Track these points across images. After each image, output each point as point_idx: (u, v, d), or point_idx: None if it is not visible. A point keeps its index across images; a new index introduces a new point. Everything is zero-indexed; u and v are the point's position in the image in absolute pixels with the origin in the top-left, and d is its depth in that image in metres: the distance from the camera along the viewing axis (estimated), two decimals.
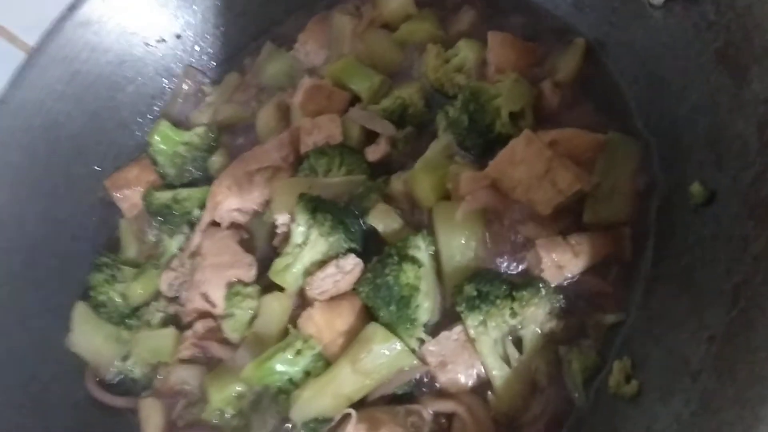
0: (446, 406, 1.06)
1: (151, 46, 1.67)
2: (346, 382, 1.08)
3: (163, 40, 1.67)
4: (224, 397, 1.22)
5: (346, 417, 1.05)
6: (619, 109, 1.18)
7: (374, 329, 1.09)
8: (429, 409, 1.07)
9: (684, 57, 1.04)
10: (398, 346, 1.07)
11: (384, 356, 1.07)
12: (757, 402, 0.69)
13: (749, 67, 0.89)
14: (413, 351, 1.09)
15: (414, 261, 1.09)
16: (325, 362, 1.13)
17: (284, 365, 1.12)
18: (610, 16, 1.22)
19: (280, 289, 1.23)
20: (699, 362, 0.83)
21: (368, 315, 1.14)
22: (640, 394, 0.92)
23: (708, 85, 0.98)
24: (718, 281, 0.86)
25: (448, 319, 1.13)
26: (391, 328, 1.09)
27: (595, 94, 1.22)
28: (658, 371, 0.91)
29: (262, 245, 1.37)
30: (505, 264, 1.13)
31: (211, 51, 1.72)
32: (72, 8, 1.55)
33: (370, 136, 1.35)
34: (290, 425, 1.16)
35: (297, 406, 1.09)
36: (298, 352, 1.12)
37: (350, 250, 1.19)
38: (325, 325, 1.12)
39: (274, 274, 1.21)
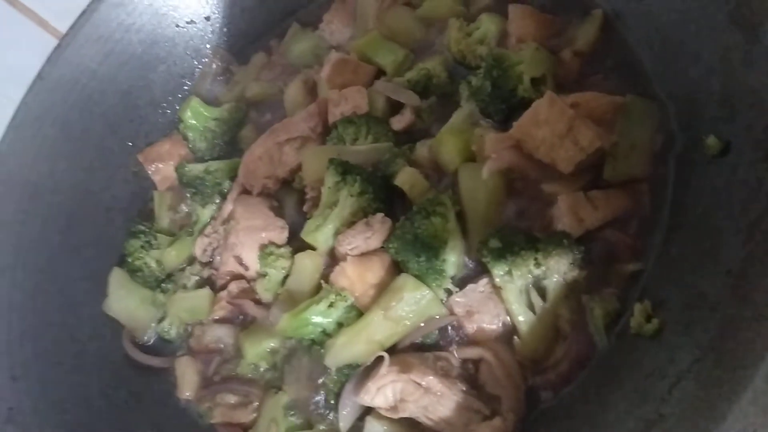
0: (474, 352, 1.11)
1: (182, 27, 1.74)
2: (379, 328, 1.13)
3: (193, 22, 1.74)
4: (259, 352, 1.28)
5: (378, 360, 1.10)
6: (636, 73, 1.23)
7: (405, 279, 1.14)
8: (457, 356, 1.12)
9: (697, 21, 1.09)
10: (428, 294, 1.13)
11: (414, 304, 1.13)
12: None
13: (761, 24, 0.95)
14: (441, 301, 1.15)
15: (441, 216, 1.15)
16: (358, 313, 1.18)
17: (318, 316, 1.17)
18: None
19: (312, 249, 1.28)
20: (716, 295, 0.88)
21: (397, 270, 1.19)
22: (660, 331, 0.96)
23: (721, 45, 1.03)
24: (733, 221, 0.92)
25: (474, 273, 1.18)
26: (421, 278, 1.14)
27: (612, 61, 1.27)
28: (677, 308, 0.96)
29: (292, 212, 1.42)
30: (529, 220, 1.18)
31: (239, 32, 1.79)
32: None
33: (395, 107, 1.40)
34: (323, 375, 1.20)
35: (332, 352, 1.15)
36: (332, 304, 1.17)
37: (379, 210, 1.24)
38: (357, 278, 1.17)
39: (306, 234, 1.27)
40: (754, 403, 0.70)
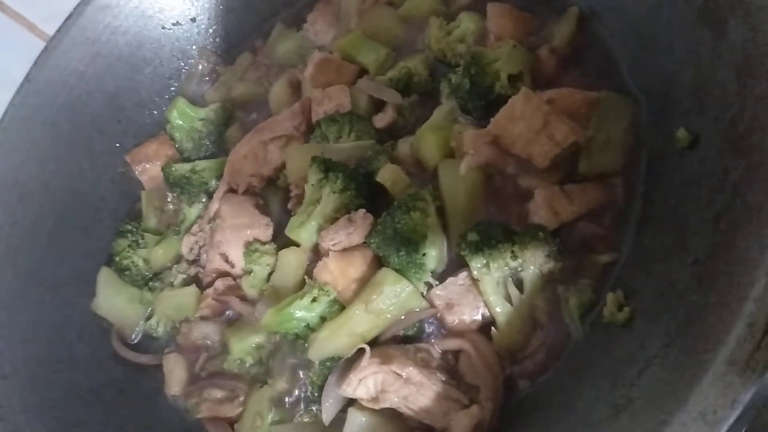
0: (453, 343, 1.14)
1: (168, 29, 1.76)
2: (360, 322, 1.15)
3: (179, 24, 1.77)
4: (244, 347, 1.30)
5: (360, 352, 1.12)
6: (611, 69, 1.25)
7: (385, 273, 1.16)
8: (437, 347, 1.15)
9: (668, 17, 1.12)
10: (408, 288, 1.15)
11: (395, 297, 1.15)
12: (735, 303, 0.77)
13: (727, 20, 0.97)
14: (422, 294, 1.17)
15: (421, 210, 1.17)
16: (340, 308, 1.20)
17: (302, 311, 1.19)
18: None
19: (296, 246, 1.31)
20: (684, 283, 0.91)
21: (379, 264, 1.21)
22: (632, 319, 0.99)
23: (691, 41, 1.06)
24: (701, 212, 0.94)
25: (453, 267, 1.20)
26: (401, 272, 1.16)
27: (588, 58, 1.30)
28: (648, 297, 0.99)
29: (277, 210, 1.45)
30: (506, 213, 1.20)
31: (224, 33, 1.81)
32: None
33: (378, 105, 1.43)
34: (307, 368, 1.23)
35: (315, 345, 1.17)
36: (315, 299, 1.19)
37: (361, 207, 1.27)
38: (340, 272, 1.20)
39: (290, 231, 1.29)
40: (714, 385, 0.73)
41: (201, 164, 1.56)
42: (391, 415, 1.12)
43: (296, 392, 1.23)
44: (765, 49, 0.90)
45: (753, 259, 0.78)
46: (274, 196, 1.47)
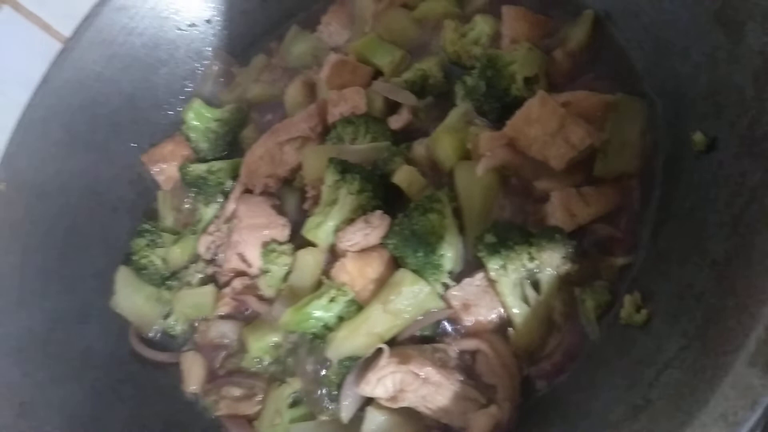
0: (470, 344, 1.15)
1: (183, 30, 1.77)
2: (378, 321, 1.17)
3: (194, 25, 1.78)
4: (262, 346, 1.32)
5: (378, 352, 1.14)
6: (626, 72, 1.26)
7: (403, 274, 1.18)
8: (455, 347, 1.16)
9: (685, 20, 1.13)
10: (425, 288, 1.16)
11: (412, 298, 1.16)
12: (754, 307, 0.78)
13: (744, 24, 0.98)
14: (439, 295, 1.18)
15: (438, 212, 1.19)
16: (358, 307, 1.21)
17: (320, 311, 1.21)
18: None
19: (313, 246, 1.32)
20: (702, 285, 0.92)
21: (396, 265, 1.23)
22: (649, 321, 1.00)
23: (707, 45, 1.07)
24: (719, 215, 0.95)
25: (470, 268, 1.21)
26: (419, 273, 1.18)
27: (603, 61, 1.31)
28: (665, 299, 1.00)
29: (293, 210, 1.46)
30: (523, 215, 1.21)
31: (239, 35, 1.82)
32: None
33: (393, 107, 1.44)
34: (325, 367, 1.24)
35: (333, 345, 1.18)
36: (332, 299, 1.21)
37: (378, 208, 1.28)
38: (357, 273, 1.21)
39: (307, 231, 1.30)
40: (735, 387, 0.74)
41: (217, 164, 1.57)
42: (409, 414, 1.13)
43: (315, 391, 1.24)
44: None
45: None
46: (290, 197, 1.48)
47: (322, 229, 1.29)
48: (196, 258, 1.51)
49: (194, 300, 1.43)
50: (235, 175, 1.55)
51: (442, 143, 1.29)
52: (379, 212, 1.27)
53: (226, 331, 1.39)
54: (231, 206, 1.49)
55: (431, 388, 1.10)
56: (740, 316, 0.79)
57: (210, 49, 1.81)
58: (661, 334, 0.96)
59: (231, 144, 1.66)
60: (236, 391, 1.32)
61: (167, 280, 1.51)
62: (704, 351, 0.83)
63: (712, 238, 0.95)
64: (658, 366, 0.90)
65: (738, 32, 1.00)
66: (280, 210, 1.46)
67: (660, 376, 0.89)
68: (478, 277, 1.18)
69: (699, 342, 0.86)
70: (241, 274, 1.42)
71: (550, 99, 1.18)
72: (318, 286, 1.28)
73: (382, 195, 1.31)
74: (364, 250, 1.25)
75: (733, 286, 0.85)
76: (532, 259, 1.13)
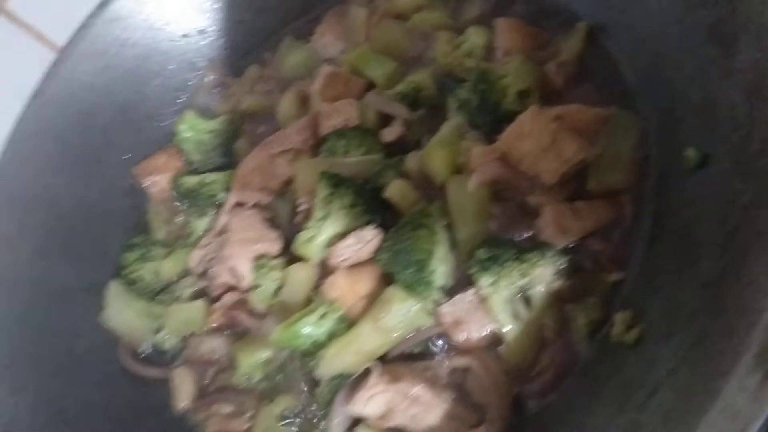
0: (461, 361, 1.14)
1: (176, 41, 1.76)
2: (368, 339, 1.16)
3: (188, 36, 1.77)
4: (252, 362, 1.30)
5: (368, 370, 1.12)
6: (620, 86, 1.25)
7: (393, 291, 1.17)
8: (445, 365, 1.15)
9: (678, 35, 1.12)
10: (416, 305, 1.15)
11: (402, 315, 1.15)
12: (744, 330, 0.77)
13: (737, 39, 0.97)
14: (429, 311, 1.17)
15: (429, 228, 1.17)
16: (348, 324, 1.20)
17: (310, 327, 1.19)
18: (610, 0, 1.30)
19: (305, 261, 1.31)
20: (694, 305, 0.91)
21: (387, 281, 1.21)
22: (640, 340, 0.99)
23: (700, 59, 1.05)
24: (710, 233, 0.94)
25: (462, 284, 1.20)
26: (409, 290, 1.16)
27: (596, 74, 1.29)
28: (657, 318, 0.98)
29: (285, 223, 1.44)
30: (514, 231, 1.20)
31: (233, 45, 1.81)
32: (102, 5, 1.65)
33: (386, 119, 1.43)
34: (315, 385, 1.23)
35: (323, 363, 1.17)
36: (323, 316, 1.19)
37: (369, 223, 1.27)
38: (348, 289, 1.20)
39: (299, 246, 1.29)
40: (723, 413, 0.72)
41: (210, 177, 1.56)
42: None
43: (305, 409, 1.23)
44: None
45: (763, 284, 0.78)
46: (282, 210, 1.47)
47: (313, 243, 1.28)
48: (187, 272, 1.50)
49: (185, 314, 1.42)
50: (228, 188, 1.53)
51: (435, 157, 1.28)
52: (371, 227, 1.26)
53: (216, 347, 1.37)
54: (223, 219, 1.48)
55: (421, 407, 1.09)
56: (730, 338, 0.78)
57: (203, 59, 1.79)
58: (652, 355, 0.94)
59: (224, 156, 1.64)
60: (226, 408, 1.31)
61: (158, 294, 1.49)
62: (694, 374, 0.82)
63: (705, 257, 0.93)
64: (649, 388, 0.89)
65: (731, 47, 0.98)
66: (272, 223, 1.45)
67: (651, 399, 0.88)
68: (470, 293, 1.17)
69: (688, 365, 0.85)
70: (232, 288, 1.41)
71: (542, 113, 1.17)
72: (309, 301, 1.27)
73: (374, 209, 1.29)
74: (356, 266, 1.24)
75: (724, 306, 0.84)
76: (523, 275, 1.12)
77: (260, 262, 1.35)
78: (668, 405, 0.83)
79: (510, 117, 1.22)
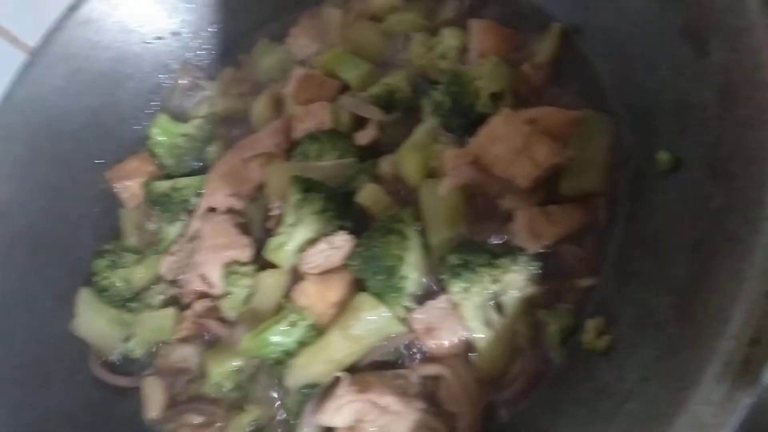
0: (432, 369, 1.11)
1: (149, 43, 1.73)
2: (337, 348, 1.13)
3: (161, 38, 1.74)
4: (223, 371, 1.28)
5: (338, 380, 1.10)
6: (594, 87, 1.23)
7: (363, 298, 1.14)
8: (416, 373, 1.12)
9: (652, 36, 1.10)
10: (386, 313, 1.13)
11: (372, 323, 1.13)
12: (711, 339, 0.75)
13: (708, 40, 0.96)
14: (400, 319, 1.15)
15: (399, 233, 1.15)
16: (318, 333, 1.18)
17: (279, 336, 1.17)
18: (584, 1, 1.28)
19: (275, 267, 1.28)
20: (664, 314, 0.89)
21: (358, 288, 1.19)
22: (611, 348, 0.97)
23: (674, 61, 1.04)
24: (681, 238, 0.92)
25: (434, 290, 1.18)
26: (380, 297, 1.14)
27: (571, 75, 1.27)
28: (628, 325, 0.96)
29: (257, 229, 1.42)
30: (487, 235, 1.18)
31: (207, 47, 1.78)
32: (73, 8, 1.62)
33: (360, 122, 1.40)
34: (285, 395, 1.20)
35: (291, 372, 1.15)
36: (292, 324, 1.17)
37: (341, 228, 1.24)
38: (318, 296, 1.18)
39: (269, 252, 1.27)
40: (690, 424, 0.70)
41: (182, 181, 1.53)
42: None
43: (274, 419, 1.20)
44: (747, 72, 0.87)
45: (730, 292, 0.76)
46: (255, 216, 1.44)
47: (284, 249, 1.26)
48: (158, 279, 1.47)
49: (155, 322, 1.39)
50: (200, 193, 1.51)
51: (408, 161, 1.26)
52: (342, 233, 1.23)
53: (186, 356, 1.34)
54: (195, 225, 1.46)
55: (391, 417, 1.07)
56: (697, 348, 0.76)
57: (177, 62, 1.76)
58: (622, 363, 0.93)
59: (198, 160, 1.62)
60: (196, 419, 1.28)
61: (128, 301, 1.46)
62: (662, 384, 0.80)
63: (674, 264, 0.92)
64: (618, 397, 0.87)
65: (703, 47, 0.97)
66: (244, 229, 1.42)
67: (620, 408, 0.86)
68: (442, 299, 1.15)
69: (657, 374, 0.83)
70: (203, 296, 1.38)
71: (515, 117, 1.15)
72: (281, 309, 1.24)
73: (347, 214, 1.27)
74: (326, 273, 1.21)
75: (693, 315, 0.82)
76: (495, 281, 1.10)
77: (231, 268, 1.33)
78: (637, 415, 0.82)
79: (483, 120, 1.20)
